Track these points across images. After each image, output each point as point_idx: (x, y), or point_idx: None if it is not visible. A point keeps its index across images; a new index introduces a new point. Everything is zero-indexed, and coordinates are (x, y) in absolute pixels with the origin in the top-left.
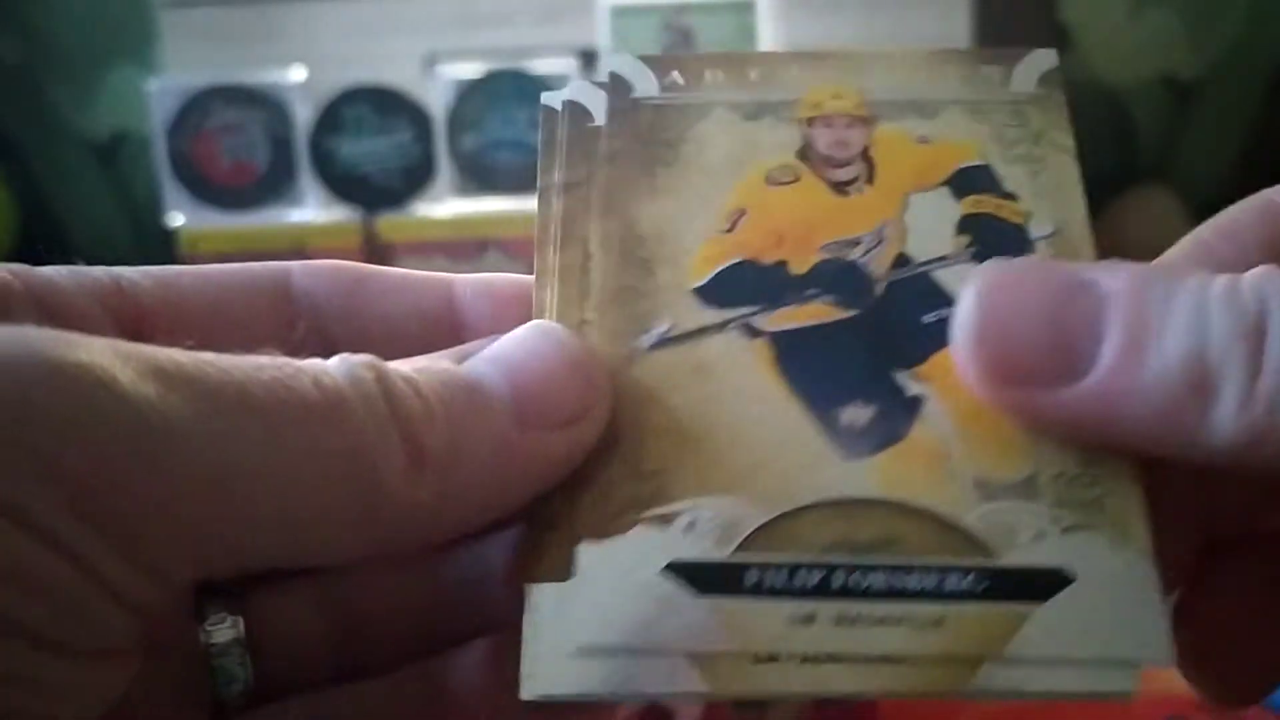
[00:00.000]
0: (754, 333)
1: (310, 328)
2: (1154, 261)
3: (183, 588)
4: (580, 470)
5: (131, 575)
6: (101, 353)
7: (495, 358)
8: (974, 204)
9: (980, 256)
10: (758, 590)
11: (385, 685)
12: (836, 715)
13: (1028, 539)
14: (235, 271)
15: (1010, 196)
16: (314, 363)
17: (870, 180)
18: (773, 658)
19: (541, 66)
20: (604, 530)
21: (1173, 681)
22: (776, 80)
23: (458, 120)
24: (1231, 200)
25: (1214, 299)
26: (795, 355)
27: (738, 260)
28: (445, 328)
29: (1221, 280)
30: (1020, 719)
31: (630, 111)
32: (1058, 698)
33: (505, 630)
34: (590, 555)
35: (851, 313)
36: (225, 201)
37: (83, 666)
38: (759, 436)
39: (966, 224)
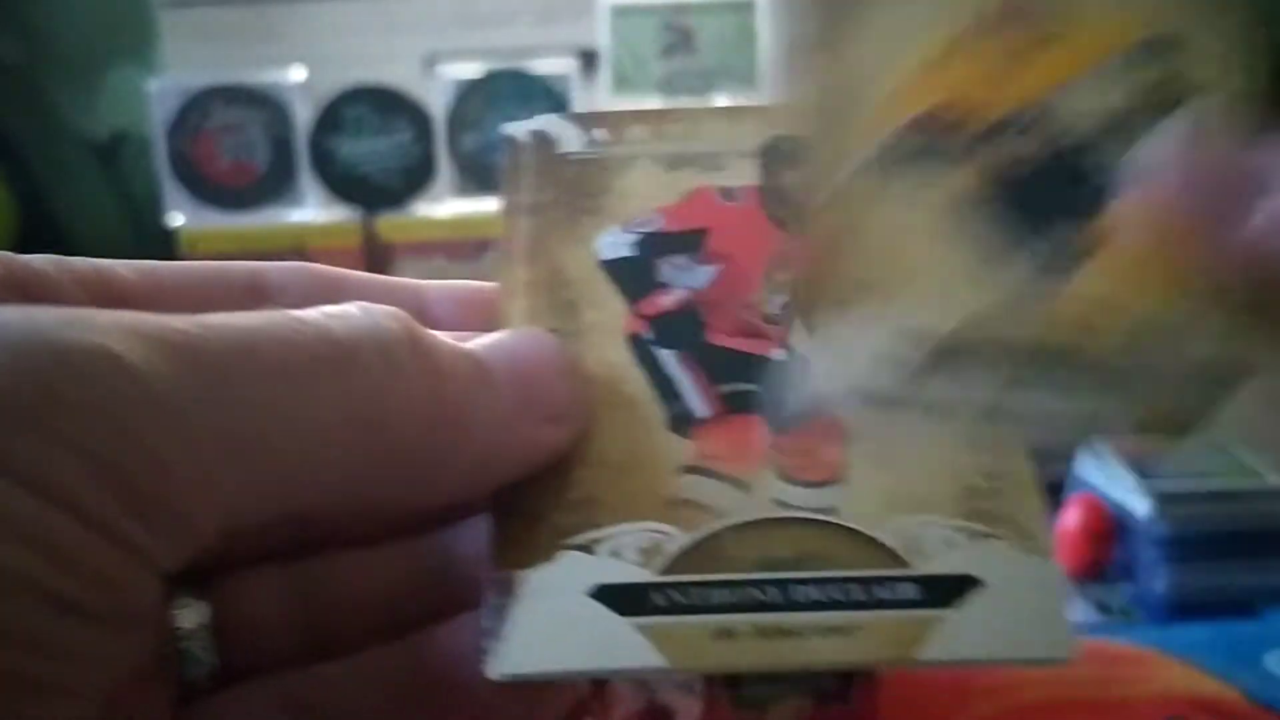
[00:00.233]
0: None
1: None
2: None
3: (208, 548)
4: (511, 500)
5: (159, 541)
6: (108, 330)
7: (495, 345)
8: None
9: None
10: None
11: (351, 667)
12: (837, 716)
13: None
14: (213, 267)
15: None
16: (331, 311)
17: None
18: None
19: (541, 66)
20: (532, 559)
21: (1173, 682)
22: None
23: (458, 120)
24: None
25: None
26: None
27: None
28: None
29: None
30: (1022, 719)
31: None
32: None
33: (473, 612)
34: (518, 582)
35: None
36: (225, 201)
37: (114, 633)
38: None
39: None
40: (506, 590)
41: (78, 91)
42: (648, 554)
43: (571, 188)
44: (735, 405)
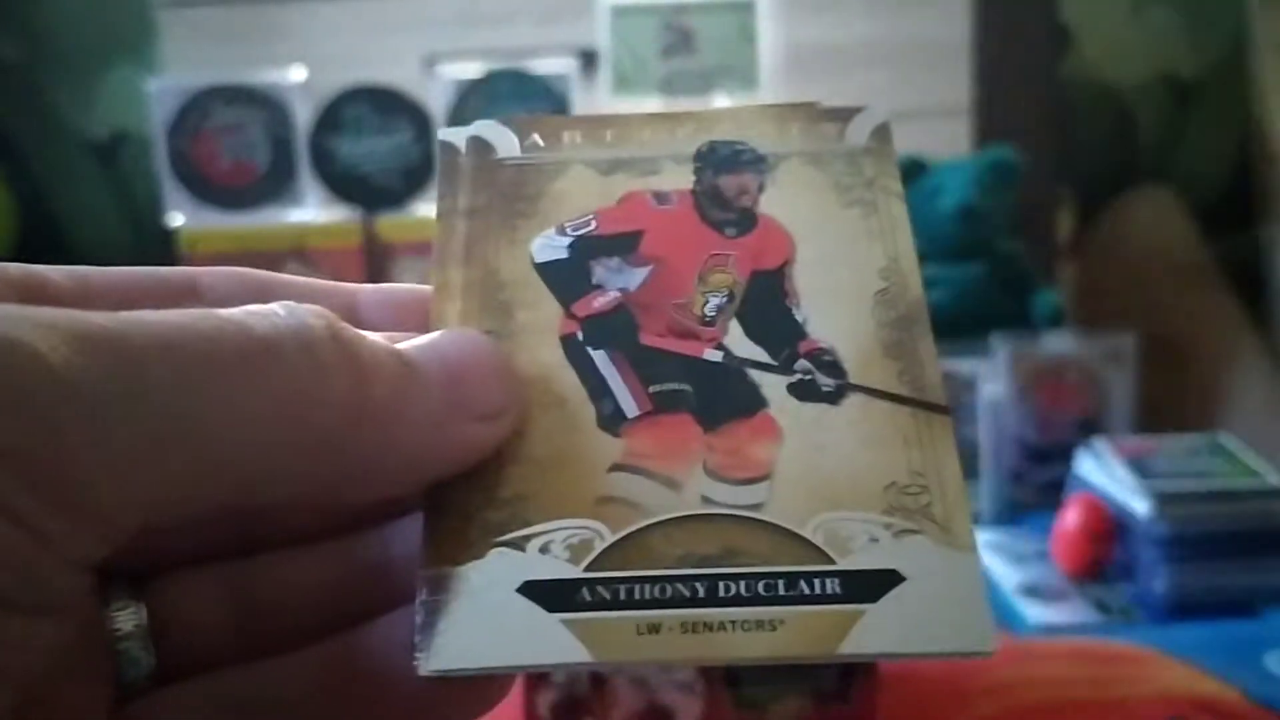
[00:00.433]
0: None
1: None
2: None
3: (129, 538)
4: (443, 497)
5: (74, 533)
6: (21, 324)
7: (427, 345)
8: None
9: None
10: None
11: (287, 665)
12: (837, 716)
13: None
14: (145, 273)
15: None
16: (253, 310)
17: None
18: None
19: (541, 66)
20: (463, 556)
21: (1173, 681)
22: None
23: (458, 120)
24: (1231, 200)
25: None
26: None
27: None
28: None
29: None
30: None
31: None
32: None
33: (404, 610)
34: (450, 579)
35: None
36: (225, 201)
37: (30, 622)
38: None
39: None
40: (438, 587)
41: (78, 91)
42: (576, 551)
43: (507, 192)
44: (666, 404)
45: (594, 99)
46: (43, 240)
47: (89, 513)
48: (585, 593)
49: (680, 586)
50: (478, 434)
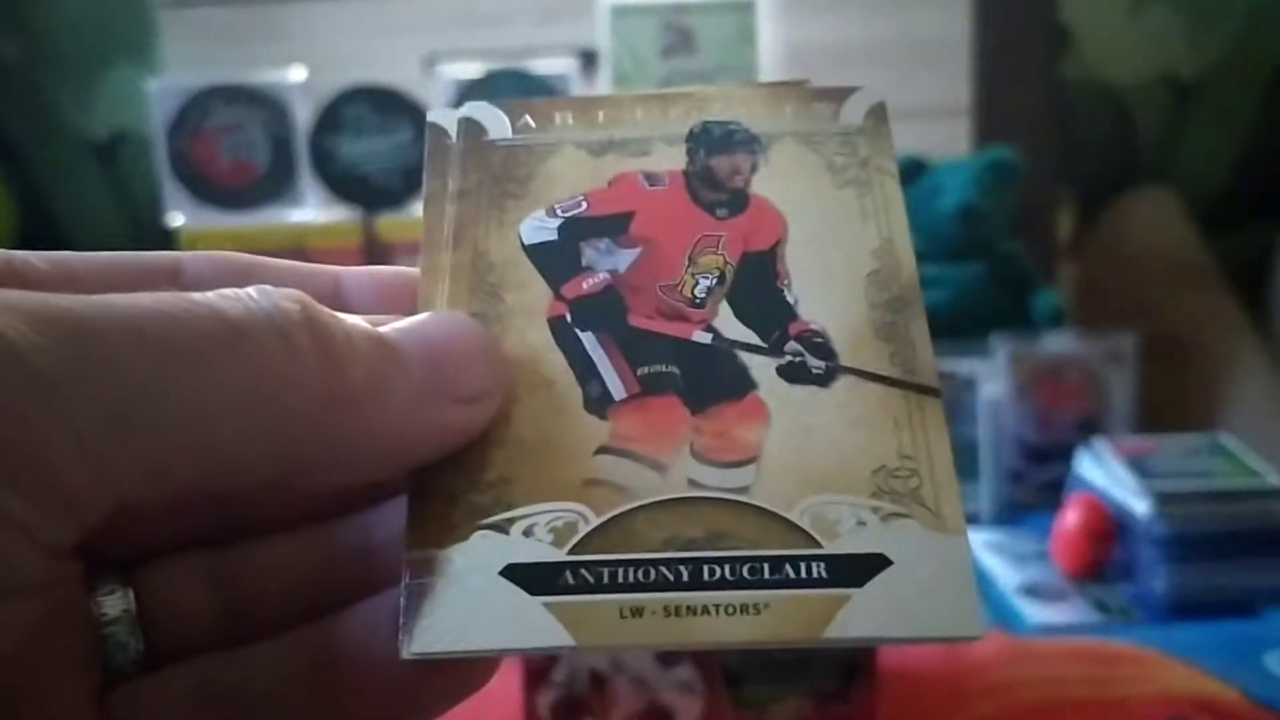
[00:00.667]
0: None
1: None
2: None
3: (100, 520)
4: (427, 480)
5: (43, 516)
6: None
7: (410, 328)
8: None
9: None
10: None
11: (272, 649)
12: (837, 715)
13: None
14: (128, 257)
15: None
16: (226, 294)
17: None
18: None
19: (541, 66)
20: (447, 539)
21: (1173, 681)
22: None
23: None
24: (1231, 200)
25: None
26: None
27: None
28: None
29: None
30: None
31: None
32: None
33: (387, 593)
34: (433, 562)
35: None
36: (225, 201)
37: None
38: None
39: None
40: (421, 570)
41: (78, 91)
42: (560, 534)
43: (498, 173)
44: (654, 387)
45: None
46: (43, 240)
47: (56, 495)
48: (568, 576)
49: (664, 570)
50: (460, 417)
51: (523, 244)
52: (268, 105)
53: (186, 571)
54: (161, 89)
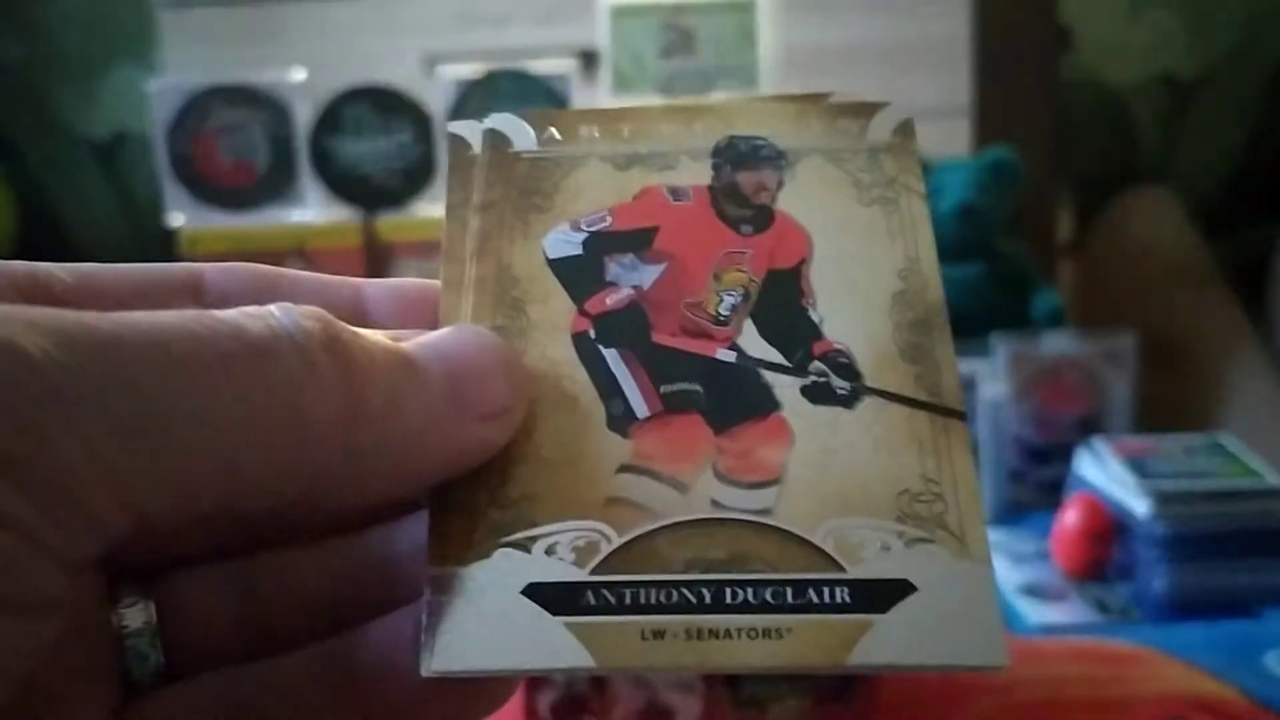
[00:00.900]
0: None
1: None
2: None
3: (121, 537)
4: (449, 496)
5: (63, 533)
6: (7, 323)
7: (431, 344)
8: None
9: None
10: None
11: (292, 662)
12: (837, 715)
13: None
14: (150, 269)
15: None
16: (249, 312)
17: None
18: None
19: (541, 67)
20: (468, 556)
21: (1173, 681)
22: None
23: (458, 120)
24: (1231, 200)
25: None
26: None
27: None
28: None
29: None
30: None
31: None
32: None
33: (409, 608)
34: (454, 579)
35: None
36: (225, 201)
37: (17, 620)
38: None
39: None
40: (442, 587)
41: (78, 92)
42: (582, 553)
43: (522, 186)
44: (677, 405)
45: (594, 99)
46: (43, 240)
47: (77, 513)
48: (590, 596)
49: (686, 592)
50: (481, 434)
51: (547, 258)
52: (268, 105)
53: (208, 583)
54: (162, 89)
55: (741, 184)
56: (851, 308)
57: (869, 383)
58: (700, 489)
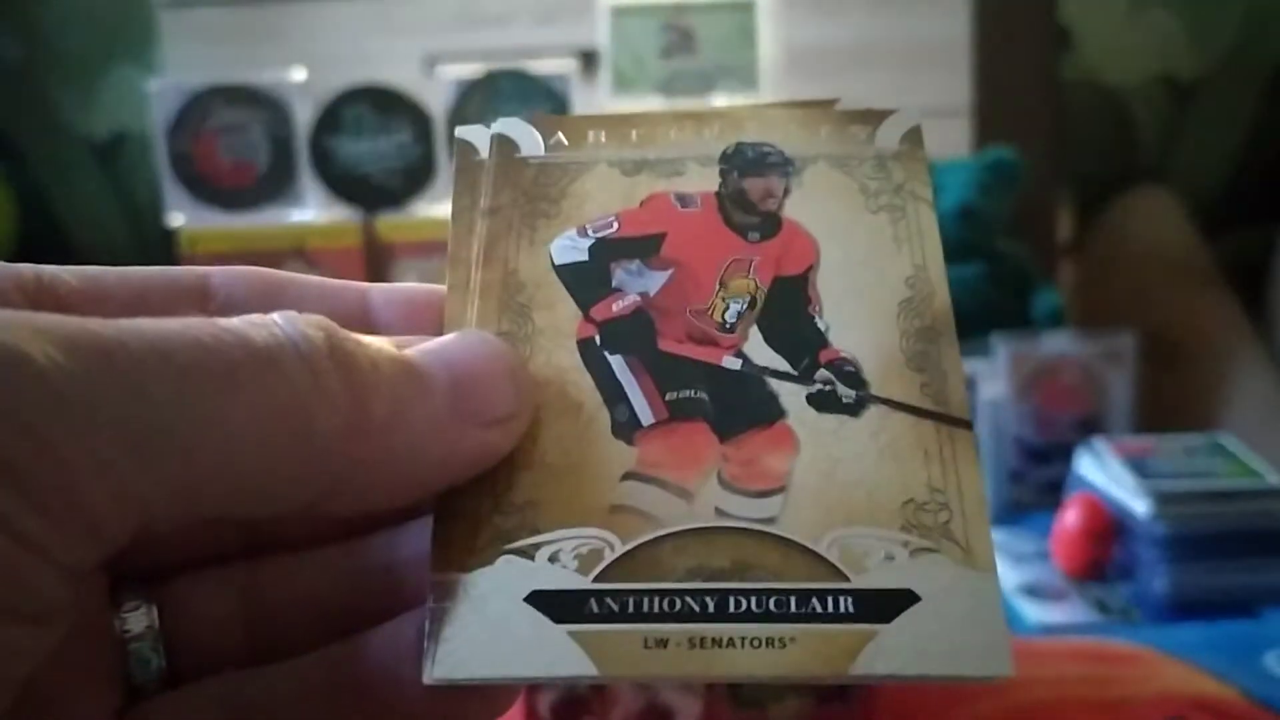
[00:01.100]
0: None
1: None
2: None
3: (124, 544)
4: (452, 502)
5: (66, 540)
6: (13, 329)
7: (435, 350)
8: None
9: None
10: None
11: (295, 668)
12: (836, 715)
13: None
14: (157, 273)
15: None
16: (254, 320)
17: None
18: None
19: (541, 67)
20: (472, 562)
21: (1173, 681)
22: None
23: (458, 120)
24: (1231, 200)
25: None
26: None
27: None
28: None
29: None
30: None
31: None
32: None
33: (411, 615)
34: (457, 586)
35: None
36: (225, 201)
37: (19, 627)
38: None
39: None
40: (445, 594)
41: (78, 91)
42: (585, 561)
43: (529, 191)
44: (682, 412)
45: (594, 99)
46: (43, 240)
47: (79, 519)
48: (593, 604)
49: (690, 601)
50: (484, 440)
51: (553, 263)
52: (268, 105)
53: (211, 587)
54: (162, 89)
55: (749, 190)
56: (858, 315)
57: (875, 391)
58: (705, 497)
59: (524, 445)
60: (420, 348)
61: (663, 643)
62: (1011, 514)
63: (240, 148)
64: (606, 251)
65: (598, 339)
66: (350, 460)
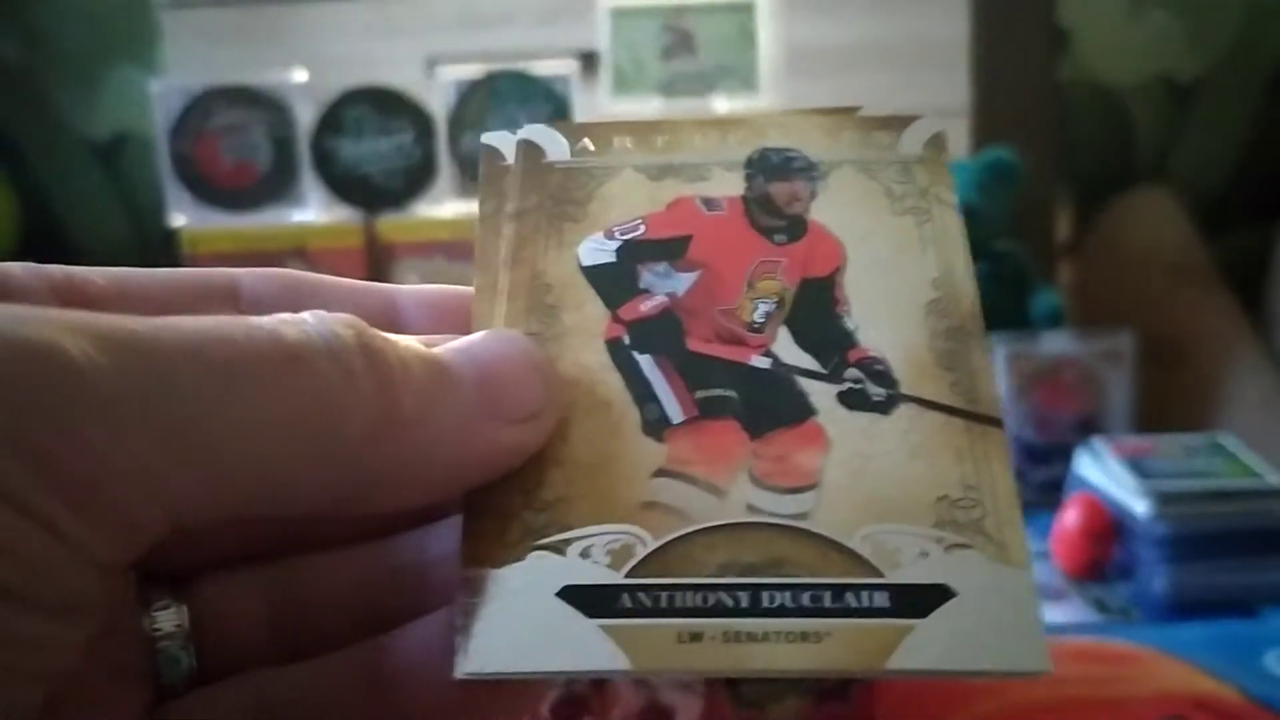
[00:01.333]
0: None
1: None
2: None
3: (157, 540)
4: (482, 499)
5: (99, 536)
6: (51, 326)
7: (463, 349)
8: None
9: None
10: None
11: (325, 666)
12: (836, 714)
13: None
14: (185, 274)
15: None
16: (285, 318)
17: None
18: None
19: (542, 68)
20: (502, 558)
21: (1172, 681)
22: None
23: (458, 121)
24: (1231, 200)
25: None
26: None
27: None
28: None
29: None
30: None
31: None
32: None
33: (441, 613)
34: (488, 581)
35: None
36: (226, 202)
37: (53, 621)
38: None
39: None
40: (476, 589)
41: (78, 91)
42: (617, 556)
43: (556, 195)
44: (711, 410)
45: (594, 101)
46: (44, 241)
47: (111, 515)
48: (626, 599)
49: (723, 595)
50: (513, 438)
51: (580, 265)
52: (269, 106)
53: (240, 586)
54: (163, 90)
55: (774, 194)
56: (886, 316)
57: (905, 390)
58: (736, 494)
59: (554, 443)
60: (448, 346)
61: (697, 637)
62: None
63: (241, 148)
64: (633, 253)
65: (626, 339)
66: (381, 457)
